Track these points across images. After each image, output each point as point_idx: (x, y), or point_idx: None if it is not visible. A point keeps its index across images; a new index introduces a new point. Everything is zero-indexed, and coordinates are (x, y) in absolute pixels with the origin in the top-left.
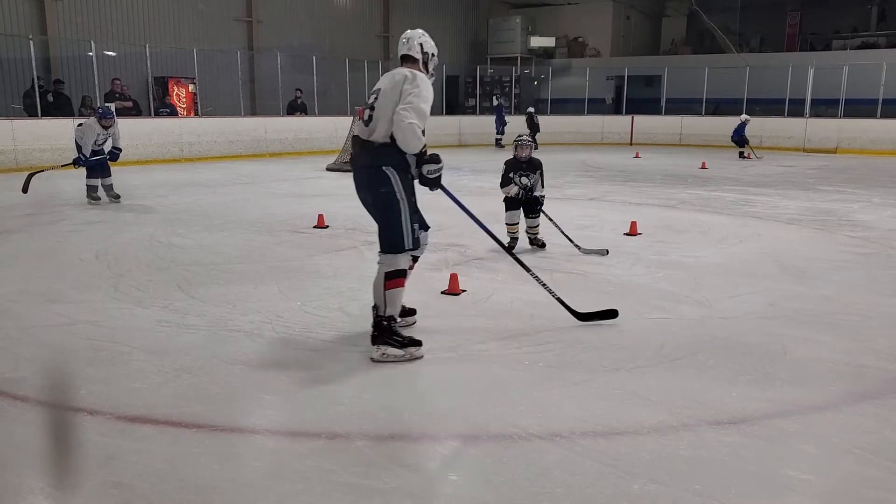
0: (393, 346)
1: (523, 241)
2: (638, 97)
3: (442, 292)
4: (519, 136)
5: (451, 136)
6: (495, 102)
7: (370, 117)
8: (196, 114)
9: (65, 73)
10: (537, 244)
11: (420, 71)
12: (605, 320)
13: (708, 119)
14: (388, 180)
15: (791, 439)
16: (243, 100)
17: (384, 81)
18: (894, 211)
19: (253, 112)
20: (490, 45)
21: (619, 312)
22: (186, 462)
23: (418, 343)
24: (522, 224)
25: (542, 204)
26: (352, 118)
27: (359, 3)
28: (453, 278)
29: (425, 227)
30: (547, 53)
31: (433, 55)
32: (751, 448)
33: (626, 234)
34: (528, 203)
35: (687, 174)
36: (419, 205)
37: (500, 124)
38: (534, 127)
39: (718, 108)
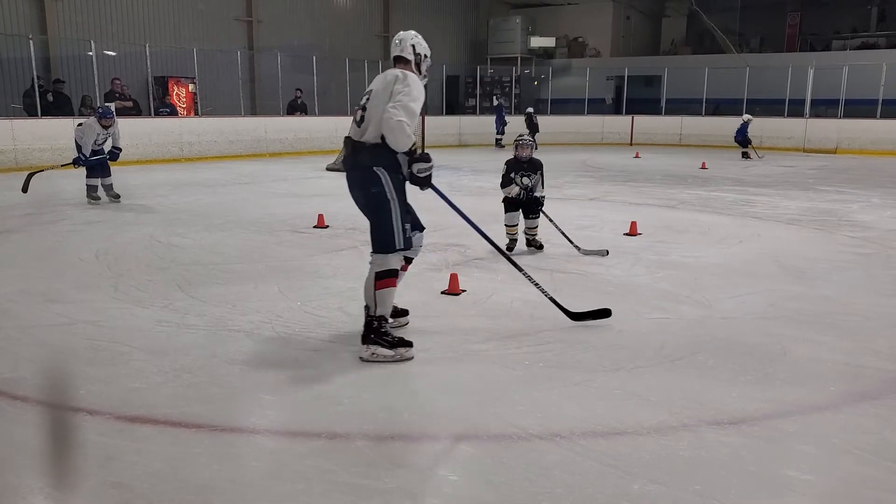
0: (383, 346)
1: (521, 243)
2: (638, 97)
3: (442, 292)
4: (520, 135)
5: (451, 136)
6: (495, 102)
7: (362, 118)
8: (196, 113)
9: (65, 72)
10: (535, 245)
11: (413, 72)
12: (600, 319)
13: (708, 119)
14: (378, 180)
15: (791, 439)
16: (243, 100)
17: (376, 83)
18: (894, 211)
19: (253, 112)
20: (490, 45)
21: (620, 312)
22: (186, 462)
23: (409, 344)
24: (521, 225)
25: (542, 205)
26: (352, 118)
27: (359, 3)
28: (453, 278)
29: (420, 229)
30: (547, 53)
31: (426, 56)
32: (751, 448)
33: (626, 235)
34: (528, 204)
35: (687, 174)
36: (415, 207)
37: (501, 124)
38: (533, 127)
39: (718, 108)
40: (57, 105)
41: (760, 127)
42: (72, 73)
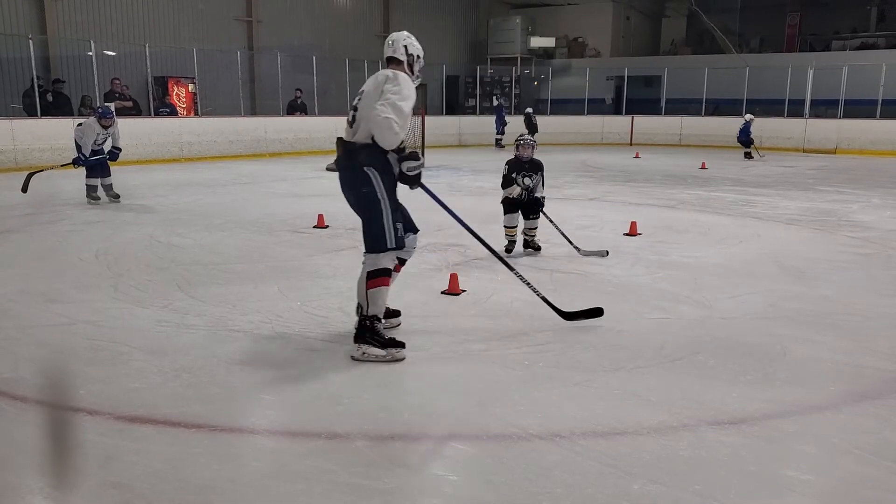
0: (374, 345)
1: (519, 244)
2: (638, 97)
3: (442, 292)
4: (521, 135)
5: (451, 136)
6: (495, 102)
7: (353, 118)
8: (196, 113)
9: (64, 72)
10: (533, 247)
11: (405, 72)
12: (595, 319)
13: (708, 119)
14: (369, 180)
15: (791, 439)
16: (243, 100)
17: (368, 83)
18: (894, 211)
19: (253, 112)
20: (490, 45)
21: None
22: (186, 462)
23: (401, 345)
24: (520, 226)
25: (543, 205)
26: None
27: (359, 3)
28: (453, 278)
29: (414, 231)
30: (547, 54)
31: (418, 57)
32: (751, 448)
33: (626, 235)
34: (529, 204)
35: (687, 174)
36: (416, 207)
37: (501, 124)
38: (532, 127)
39: (718, 108)
40: (56, 105)
41: (760, 127)
42: (71, 73)
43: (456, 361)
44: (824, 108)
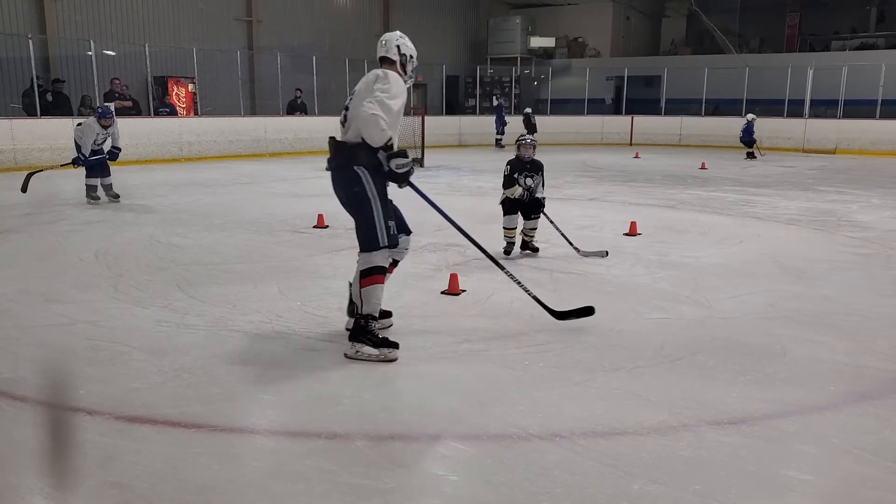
0: (368, 344)
1: (516, 247)
2: (638, 97)
3: (442, 292)
4: (522, 136)
5: (451, 136)
6: (495, 102)
7: (345, 118)
8: (196, 113)
9: (64, 72)
10: (531, 248)
11: (398, 72)
12: (585, 318)
13: (707, 119)
14: (359, 179)
15: (791, 439)
16: (243, 100)
17: (360, 83)
18: (893, 212)
19: (253, 112)
20: (490, 45)
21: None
22: (186, 462)
23: (394, 345)
24: (519, 227)
25: (544, 206)
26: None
27: (359, 3)
28: (453, 278)
29: (406, 232)
30: (547, 54)
31: (411, 57)
32: (751, 448)
33: (626, 235)
34: (530, 205)
35: (687, 174)
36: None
37: (501, 124)
38: (531, 127)
39: (718, 108)
40: (56, 105)
41: (760, 127)
42: (71, 72)
43: (456, 361)
44: (824, 108)
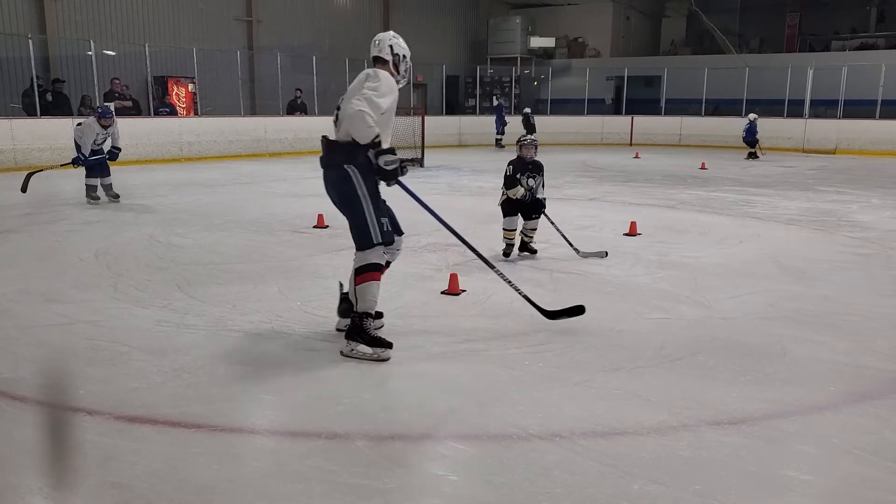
0: (362, 343)
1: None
2: (638, 97)
3: (442, 292)
4: (524, 136)
5: (451, 136)
6: (495, 102)
7: (337, 117)
8: (196, 113)
9: (64, 72)
10: (529, 250)
11: (391, 72)
12: (574, 317)
13: (707, 119)
14: (349, 178)
15: (791, 440)
16: (243, 99)
17: (352, 83)
18: (893, 212)
19: (253, 112)
20: (490, 45)
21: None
22: (185, 462)
23: (388, 345)
24: (518, 228)
25: (545, 206)
26: None
27: (359, 3)
28: (453, 278)
29: (398, 233)
30: (547, 54)
31: (404, 57)
32: (751, 448)
33: (626, 235)
34: (531, 205)
35: (686, 174)
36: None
37: (501, 124)
38: (530, 128)
39: (718, 108)
40: (56, 105)
41: (760, 127)
42: (71, 72)
43: (456, 361)
44: (824, 108)
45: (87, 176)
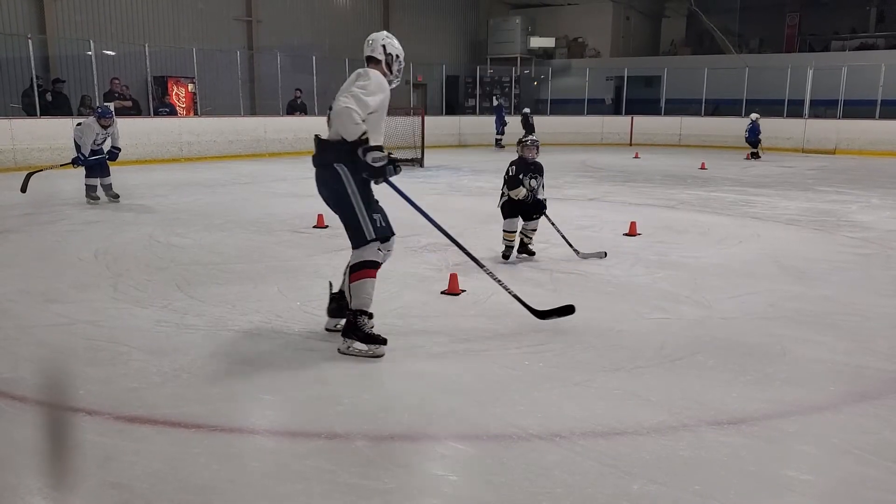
0: (358, 340)
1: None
2: (637, 97)
3: (442, 292)
4: (526, 136)
5: (451, 136)
6: (495, 103)
7: (329, 116)
8: (195, 113)
9: (64, 72)
10: (527, 252)
11: (383, 72)
12: (564, 316)
13: (707, 120)
14: (338, 176)
15: (791, 440)
16: (243, 99)
17: (345, 83)
18: (893, 212)
19: (253, 112)
20: (490, 45)
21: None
22: (185, 462)
23: (382, 341)
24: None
25: (546, 207)
26: None
27: (359, 3)
28: (453, 278)
29: (390, 233)
30: (547, 54)
31: (397, 56)
32: (751, 448)
33: (626, 235)
34: (533, 206)
35: (686, 175)
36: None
37: (500, 124)
38: (529, 128)
39: (718, 108)
40: (56, 105)
41: (761, 127)
42: (71, 72)
43: (456, 361)
44: (823, 108)
45: (87, 176)
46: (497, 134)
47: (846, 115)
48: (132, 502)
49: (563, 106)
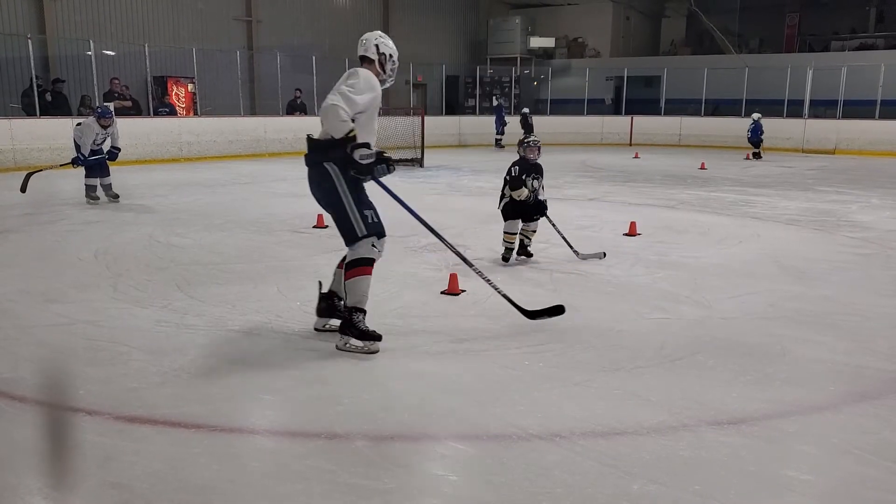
0: (354, 336)
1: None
2: (637, 98)
3: (442, 292)
4: (528, 137)
5: (451, 136)
6: (495, 103)
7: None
8: (195, 113)
9: (63, 72)
10: (526, 254)
11: (377, 71)
12: (554, 317)
13: (707, 120)
14: (328, 175)
15: (791, 440)
16: (243, 99)
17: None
18: (893, 212)
19: (253, 112)
20: (490, 45)
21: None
22: (185, 462)
23: (378, 337)
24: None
25: (547, 208)
26: None
27: (358, 3)
28: (453, 278)
29: (382, 230)
30: (547, 54)
31: (390, 56)
32: (751, 448)
33: (626, 235)
34: (534, 207)
35: (686, 175)
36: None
37: (500, 125)
38: (528, 128)
39: (718, 108)
40: (55, 105)
41: (762, 127)
42: (71, 72)
43: (456, 361)
44: (823, 108)
45: (87, 176)
46: (497, 134)
47: (846, 116)
48: (132, 502)
49: (563, 106)
